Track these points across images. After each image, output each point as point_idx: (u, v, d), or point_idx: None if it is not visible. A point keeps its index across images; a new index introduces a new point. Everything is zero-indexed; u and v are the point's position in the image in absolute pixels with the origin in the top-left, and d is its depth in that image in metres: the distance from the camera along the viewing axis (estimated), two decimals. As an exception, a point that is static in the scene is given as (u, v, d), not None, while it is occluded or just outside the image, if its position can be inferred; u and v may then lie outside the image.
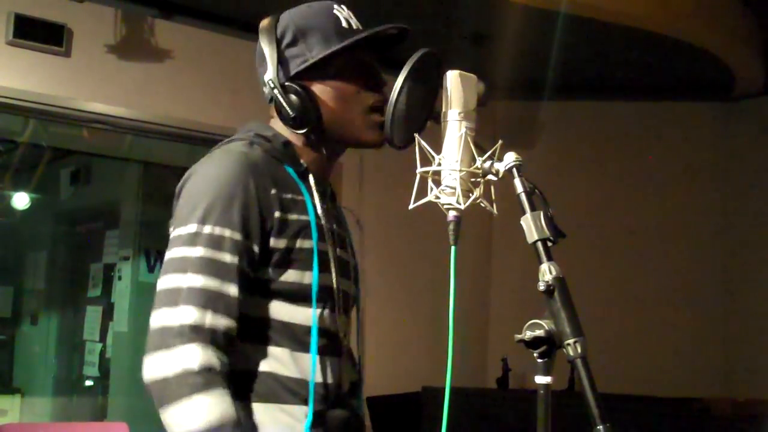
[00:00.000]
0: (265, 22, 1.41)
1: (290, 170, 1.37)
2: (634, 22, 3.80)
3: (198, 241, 1.26)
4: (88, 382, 5.50)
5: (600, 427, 0.96)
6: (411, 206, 1.18)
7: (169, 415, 1.20)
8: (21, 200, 5.69)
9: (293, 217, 1.33)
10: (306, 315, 1.33)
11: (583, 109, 4.95)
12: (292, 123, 1.37)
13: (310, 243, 1.33)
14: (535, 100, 4.83)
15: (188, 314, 1.22)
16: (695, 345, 4.69)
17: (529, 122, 4.96)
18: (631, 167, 4.94)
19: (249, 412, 1.29)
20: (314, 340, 1.32)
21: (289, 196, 1.34)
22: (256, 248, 1.29)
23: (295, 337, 1.33)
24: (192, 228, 1.27)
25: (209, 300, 1.23)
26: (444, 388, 1.07)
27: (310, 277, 1.33)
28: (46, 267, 5.97)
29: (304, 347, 1.33)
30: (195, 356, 1.20)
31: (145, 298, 5.02)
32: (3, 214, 5.75)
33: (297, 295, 1.33)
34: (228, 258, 1.26)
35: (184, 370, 1.19)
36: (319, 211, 1.37)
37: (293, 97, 1.35)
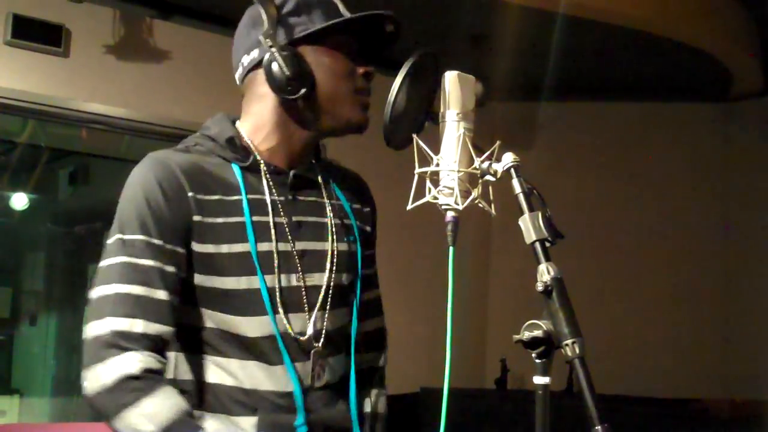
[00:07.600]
0: None
1: (236, 168, 1.33)
2: (632, 23, 3.80)
3: (119, 251, 1.24)
4: (87, 383, 5.47)
5: (598, 427, 0.95)
6: (409, 207, 1.17)
7: (119, 425, 1.17)
8: (19, 201, 5.68)
9: (219, 220, 1.30)
10: (250, 323, 1.30)
11: (581, 110, 4.95)
12: (285, 86, 1.30)
13: (245, 246, 1.30)
14: (533, 101, 4.83)
15: (117, 323, 1.20)
16: (694, 346, 4.69)
17: (527, 123, 4.96)
18: (629, 168, 4.94)
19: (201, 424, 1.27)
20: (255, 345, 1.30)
21: (216, 197, 1.30)
22: (181, 250, 1.27)
23: (242, 346, 1.30)
24: (113, 238, 1.26)
25: (136, 306, 1.21)
26: (442, 389, 1.07)
27: (249, 282, 1.30)
28: (45, 268, 5.96)
29: (252, 355, 1.30)
30: (132, 361, 1.19)
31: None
32: (1, 214, 5.74)
33: (236, 303, 1.30)
34: (151, 263, 1.24)
35: (124, 376, 1.18)
36: (279, 206, 1.35)
37: (288, 54, 1.30)
